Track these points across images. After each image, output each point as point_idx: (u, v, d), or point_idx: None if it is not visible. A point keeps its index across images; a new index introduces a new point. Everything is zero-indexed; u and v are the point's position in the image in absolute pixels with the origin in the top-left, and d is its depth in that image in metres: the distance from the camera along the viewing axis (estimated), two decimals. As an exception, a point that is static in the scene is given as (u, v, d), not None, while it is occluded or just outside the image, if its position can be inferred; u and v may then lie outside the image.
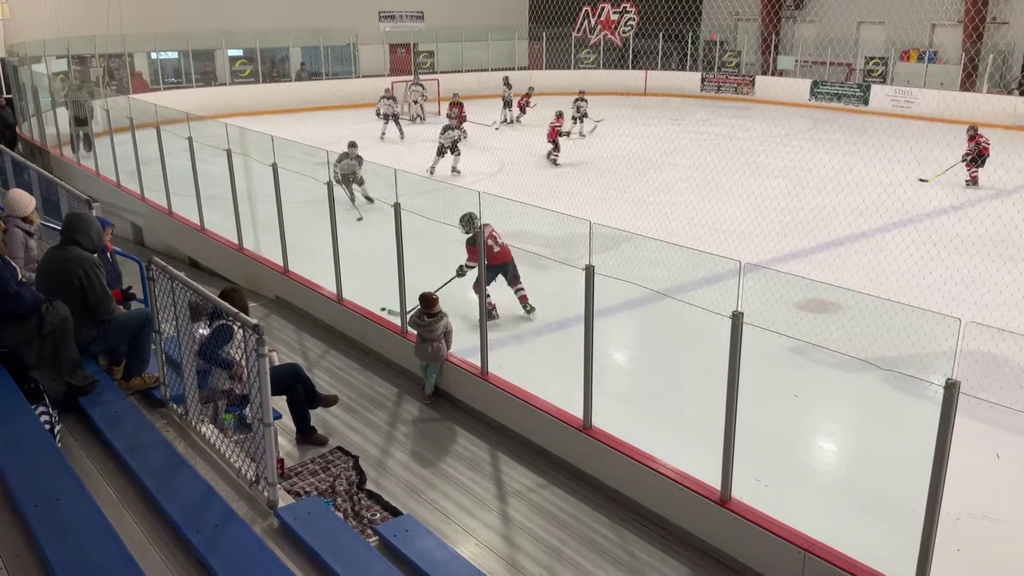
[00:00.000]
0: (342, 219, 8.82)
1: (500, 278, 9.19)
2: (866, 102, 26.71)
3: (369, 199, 13.91)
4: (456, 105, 21.42)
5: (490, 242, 8.73)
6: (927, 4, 26.67)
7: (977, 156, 16.21)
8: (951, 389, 4.28)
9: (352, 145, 14.48)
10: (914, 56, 27.28)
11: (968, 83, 25.45)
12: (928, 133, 19.78)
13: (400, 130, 22.10)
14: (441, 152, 17.05)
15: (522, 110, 23.87)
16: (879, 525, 5.66)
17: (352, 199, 13.95)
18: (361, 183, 14.20)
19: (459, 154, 17.17)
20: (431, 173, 16.45)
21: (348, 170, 14.05)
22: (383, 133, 21.90)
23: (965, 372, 4.42)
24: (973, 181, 16.13)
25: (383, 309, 8.54)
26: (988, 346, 6.78)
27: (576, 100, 22.66)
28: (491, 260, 8.62)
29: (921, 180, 16.23)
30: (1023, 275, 10.47)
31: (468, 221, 8.73)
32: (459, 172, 16.93)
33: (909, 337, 5.17)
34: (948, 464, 4.37)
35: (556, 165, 18.10)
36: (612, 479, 6.10)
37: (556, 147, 18.32)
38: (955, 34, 26.40)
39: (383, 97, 22.20)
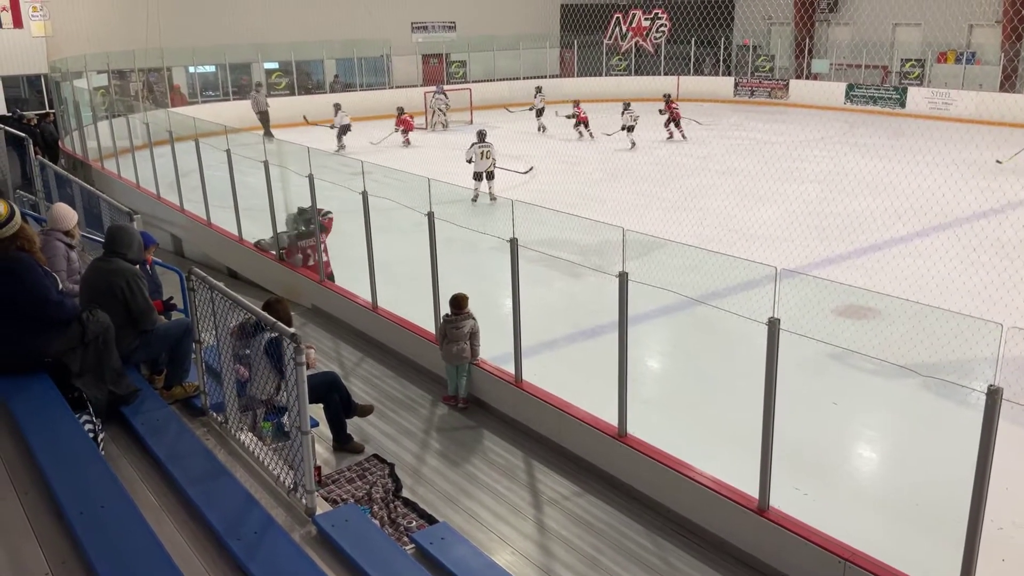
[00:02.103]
0: (376, 228, 8.90)
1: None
2: (903, 104, 26.35)
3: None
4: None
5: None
6: (964, 4, 26.26)
7: None
8: (993, 395, 4.21)
9: (301, 212, 10.26)
10: (952, 57, 26.86)
11: (1008, 84, 24.98)
12: (967, 135, 19.45)
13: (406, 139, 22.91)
14: (479, 177, 15.74)
15: (586, 125, 23.07)
16: (921, 534, 5.57)
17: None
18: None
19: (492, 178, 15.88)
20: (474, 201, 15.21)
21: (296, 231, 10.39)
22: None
23: (1008, 378, 4.34)
24: None
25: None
26: (1031, 352, 6.65)
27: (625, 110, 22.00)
28: None
29: (997, 162, 15.99)
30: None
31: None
32: (495, 199, 15.37)
33: (949, 343, 5.10)
34: (991, 471, 4.30)
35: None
36: (648, 487, 6.07)
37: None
38: (994, 35, 25.95)
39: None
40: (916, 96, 26.17)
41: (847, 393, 7.67)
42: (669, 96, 23.77)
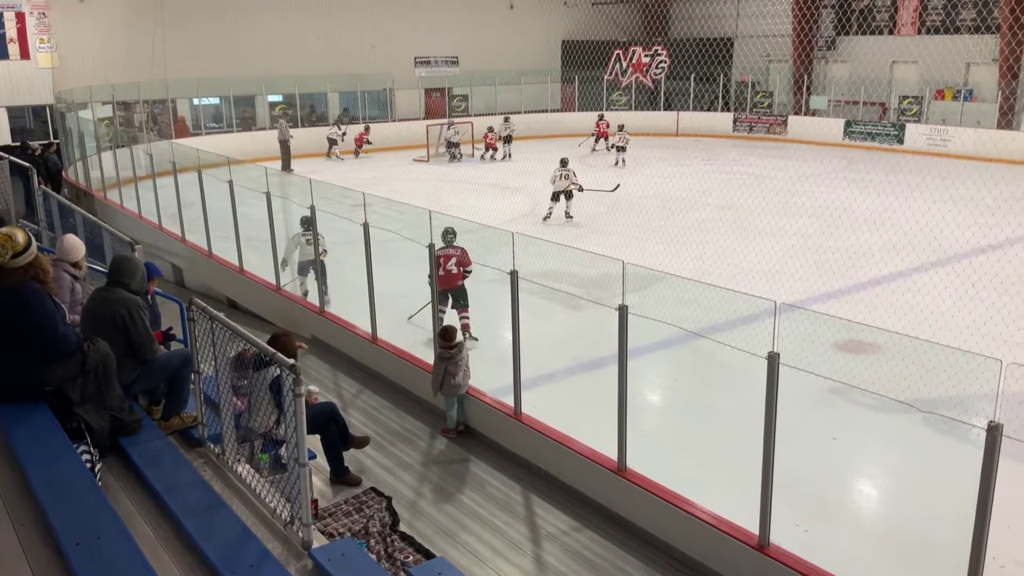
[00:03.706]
0: (377, 259, 8.93)
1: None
2: (901, 141, 26.56)
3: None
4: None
5: (446, 264, 9.39)
6: (961, 43, 26.59)
7: None
8: (993, 432, 4.21)
9: (306, 222, 10.65)
10: (949, 95, 27.13)
11: (1004, 122, 25.21)
12: (965, 172, 19.61)
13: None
14: (556, 197, 16.75)
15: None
16: (922, 572, 5.52)
17: (306, 292, 11.00)
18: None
19: (571, 198, 16.82)
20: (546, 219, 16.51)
21: (307, 257, 10.70)
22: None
23: (1008, 414, 4.34)
24: None
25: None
26: (1030, 388, 6.64)
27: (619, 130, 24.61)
28: (441, 284, 8.98)
29: None
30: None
31: (444, 235, 9.56)
32: (571, 217, 16.75)
33: (949, 378, 5.09)
34: (992, 508, 4.27)
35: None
36: (647, 522, 6.04)
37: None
38: (990, 73, 26.24)
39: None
40: (914, 133, 26.39)
41: (848, 428, 7.64)
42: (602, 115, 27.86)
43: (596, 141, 27.33)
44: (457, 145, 25.81)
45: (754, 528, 5.31)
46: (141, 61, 24.93)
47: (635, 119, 31.26)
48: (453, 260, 9.55)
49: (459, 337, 7.62)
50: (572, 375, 9.09)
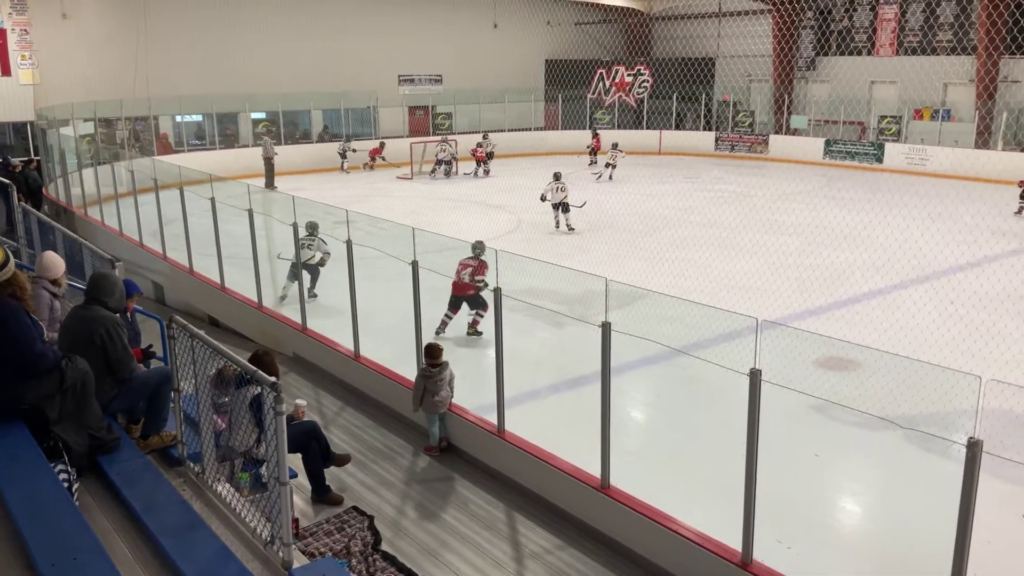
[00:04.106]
0: (360, 276, 8.91)
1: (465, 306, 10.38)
2: (880, 160, 26.86)
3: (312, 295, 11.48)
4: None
5: (460, 272, 10.17)
6: (938, 64, 27.00)
7: None
8: (973, 448, 4.23)
9: (311, 228, 11.54)
10: (927, 114, 27.50)
11: (982, 141, 25.56)
12: (943, 190, 19.85)
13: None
14: (556, 208, 17.66)
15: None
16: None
17: (283, 298, 11.55)
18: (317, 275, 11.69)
19: (568, 211, 17.61)
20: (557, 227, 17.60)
21: (303, 259, 11.16)
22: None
23: (988, 431, 4.37)
24: None
25: None
26: (1010, 404, 6.68)
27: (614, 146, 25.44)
28: (453, 290, 10.16)
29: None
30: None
31: (474, 248, 10.28)
32: (573, 229, 17.46)
33: (929, 395, 5.13)
34: (973, 524, 4.29)
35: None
36: (631, 540, 6.02)
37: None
38: (968, 93, 26.64)
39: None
40: (893, 152, 26.71)
41: (830, 444, 7.66)
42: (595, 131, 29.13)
43: (593, 155, 28.07)
44: (451, 162, 26.07)
45: (737, 545, 5.30)
46: (123, 78, 24.84)
47: (618, 138, 31.41)
48: (468, 270, 10.14)
49: (444, 357, 7.60)
50: (556, 392, 9.08)
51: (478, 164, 26.19)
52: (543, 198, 17.72)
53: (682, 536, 5.63)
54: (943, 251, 13.98)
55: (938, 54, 27.50)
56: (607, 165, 25.03)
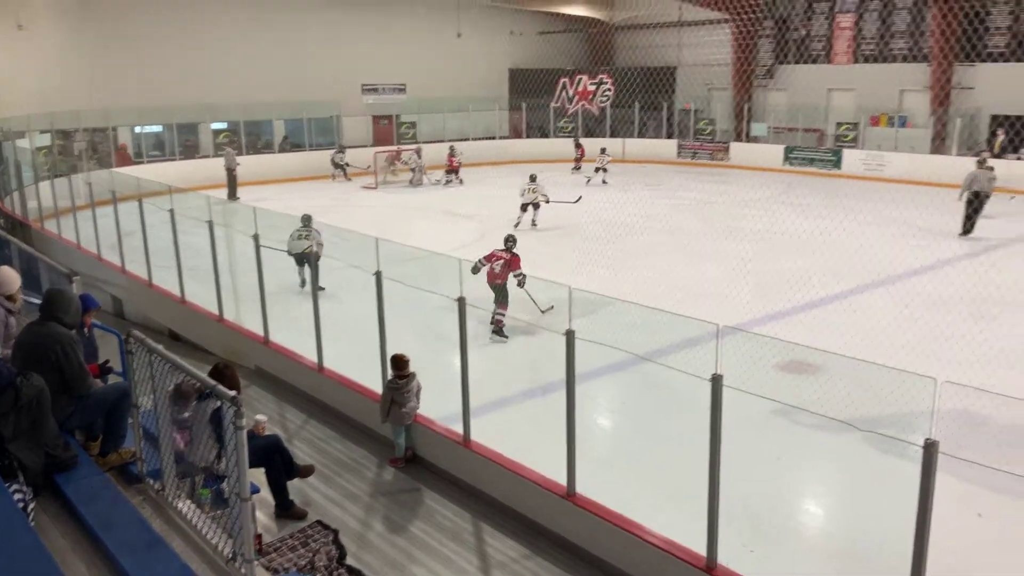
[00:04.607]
0: (327, 286, 8.85)
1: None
2: (839, 166, 27.32)
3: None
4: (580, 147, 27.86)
5: (493, 263, 11.02)
6: (894, 71, 27.56)
7: None
8: (930, 449, 4.31)
9: (306, 220, 12.87)
10: (884, 121, 28.03)
11: (937, 146, 26.12)
12: (900, 195, 20.24)
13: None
14: (524, 208, 18.63)
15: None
16: (866, 589, 5.61)
17: (303, 283, 12.61)
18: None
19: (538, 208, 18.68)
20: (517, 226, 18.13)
21: (298, 249, 12.39)
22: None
23: (945, 431, 4.45)
24: None
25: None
26: (965, 404, 6.82)
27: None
28: (488, 278, 10.96)
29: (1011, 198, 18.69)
30: (997, 333, 10.60)
31: (506, 241, 11.38)
32: (536, 225, 18.52)
33: (887, 397, 5.22)
34: (931, 525, 4.37)
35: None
36: (597, 547, 6.03)
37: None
38: (923, 100, 27.20)
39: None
40: (851, 158, 27.17)
41: (792, 448, 7.75)
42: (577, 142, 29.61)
43: (578, 162, 28.60)
44: (422, 170, 26.14)
45: (703, 550, 5.34)
46: (81, 89, 24.48)
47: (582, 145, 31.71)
48: (501, 262, 10.96)
49: (411, 368, 7.56)
50: (522, 401, 9.08)
51: (450, 173, 26.04)
52: (522, 195, 18.68)
53: (648, 542, 5.65)
54: (900, 255, 14.26)
55: (894, 61, 28.08)
56: (597, 170, 25.76)
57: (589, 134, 32.86)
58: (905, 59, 27.77)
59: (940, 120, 26.22)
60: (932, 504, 4.35)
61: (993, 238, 16.85)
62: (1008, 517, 6.50)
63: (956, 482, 6.21)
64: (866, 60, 28.84)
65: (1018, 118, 24.36)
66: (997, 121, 25.51)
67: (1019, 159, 23.69)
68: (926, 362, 9.41)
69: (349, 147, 28.04)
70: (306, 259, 12.17)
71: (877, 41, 28.61)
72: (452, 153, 26.38)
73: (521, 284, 10.96)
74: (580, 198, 19.49)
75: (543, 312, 10.78)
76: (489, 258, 11.06)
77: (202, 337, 11.12)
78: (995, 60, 25.65)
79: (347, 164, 26.91)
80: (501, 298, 10.90)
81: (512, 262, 11.00)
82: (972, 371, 9.19)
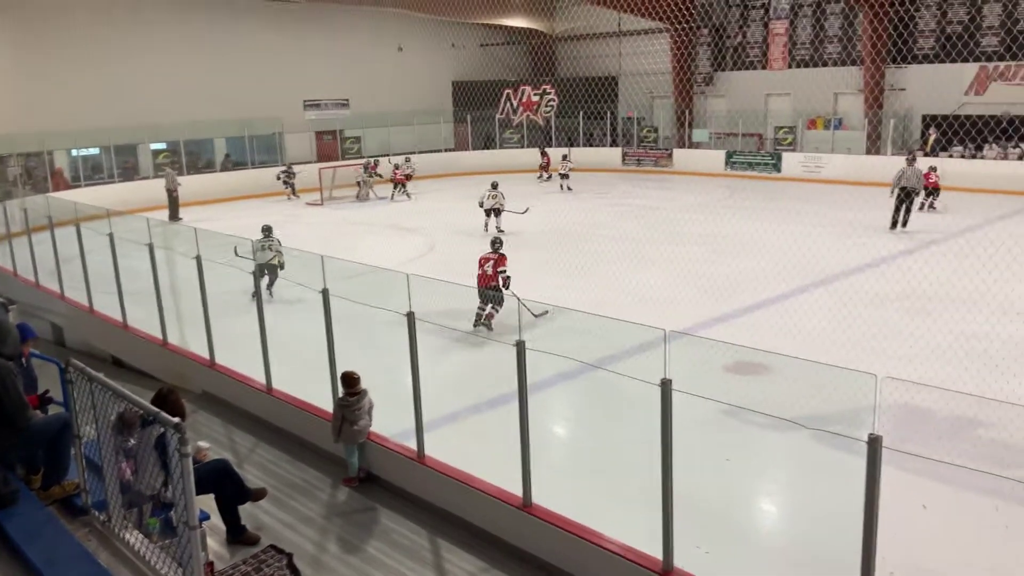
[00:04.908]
0: (271, 307, 8.73)
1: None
2: (779, 169, 27.92)
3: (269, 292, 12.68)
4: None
5: (483, 265, 11.62)
6: (828, 75, 28.30)
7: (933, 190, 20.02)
8: (874, 444, 4.40)
9: (267, 230, 13.93)
10: (820, 124, 28.75)
11: (872, 148, 26.87)
12: (838, 196, 20.76)
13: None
14: (488, 214, 19.46)
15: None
16: (819, 584, 5.71)
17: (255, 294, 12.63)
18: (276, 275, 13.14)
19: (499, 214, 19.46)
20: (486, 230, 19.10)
21: (263, 260, 12.80)
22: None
23: (890, 425, 4.56)
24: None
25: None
26: (907, 398, 7.01)
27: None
28: (478, 282, 11.55)
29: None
30: (933, 328, 10.90)
31: (492, 243, 12.09)
32: (502, 231, 18.88)
33: (831, 394, 5.33)
34: (879, 517, 4.46)
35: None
36: (554, 557, 6.03)
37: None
38: (857, 102, 27.97)
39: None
40: (790, 161, 27.80)
41: (743, 448, 7.86)
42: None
43: (544, 170, 29.24)
44: (369, 185, 26.10)
45: (659, 554, 5.38)
46: (13, 112, 23.84)
47: (528, 156, 31.86)
48: (490, 263, 11.56)
49: (362, 385, 7.49)
50: (475, 413, 9.05)
51: (396, 187, 25.97)
52: (480, 204, 19.32)
53: (604, 549, 5.67)
54: (840, 254, 14.61)
55: (827, 66, 28.83)
56: (561, 176, 26.59)
57: (536, 144, 33.08)
58: (838, 63, 28.56)
59: (874, 121, 27.00)
60: (878, 497, 4.44)
61: (929, 234, 17.38)
62: (951, 507, 6.67)
63: (904, 474, 6.36)
64: (801, 65, 29.58)
65: (947, 117, 25.24)
66: (926, 121, 26.37)
67: (951, 157, 24.49)
68: (868, 358, 9.66)
69: (296, 163, 27.76)
70: (267, 270, 12.79)
71: (811, 46, 29.36)
72: (397, 166, 26.30)
73: (506, 284, 11.34)
74: (527, 209, 19.85)
75: (536, 316, 10.68)
76: (480, 264, 11.67)
77: (146, 363, 10.87)
78: (924, 61, 26.52)
79: (289, 181, 26.52)
80: (495, 300, 11.27)
81: (499, 261, 11.60)
82: (912, 366, 9.46)
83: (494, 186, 19.71)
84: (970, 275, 11.85)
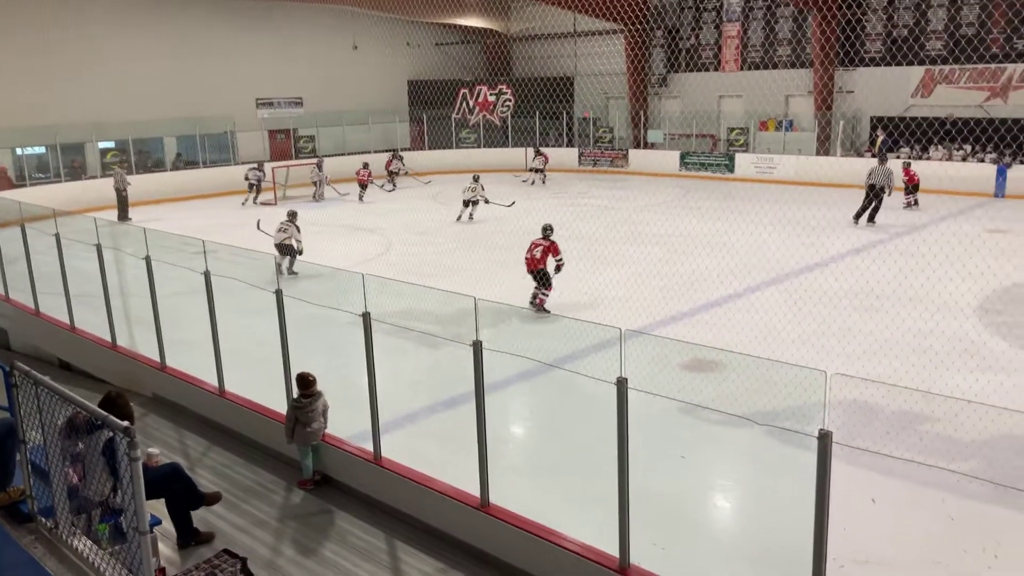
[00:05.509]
0: (226, 308, 8.58)
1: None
2: (732, 170, 28.31)
3: (292, 272, 14.61)
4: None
5: (533, 249, 12.44)
6: (779, 77, 28.76)
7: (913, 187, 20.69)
8: (824, 439, 4.48)
9: (291, 215, 15.62)
10: (772, 125, 29.21)
11: (822, 149, 27.39)
12: (790, 196, 21.10)
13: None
14: (465, 204, 20.75)
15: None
16: (772, 577, 5.79)
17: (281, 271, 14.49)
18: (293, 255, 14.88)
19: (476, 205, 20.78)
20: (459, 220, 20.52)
21: (278, 240, 14.98)
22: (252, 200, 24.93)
23: (840, 420, 4.65)
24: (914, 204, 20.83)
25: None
26: (856, 394, 7.15)
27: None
28: (528, 266, 12.42)
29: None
30: (880, 325, 11.16)
31: (544, 229, 12.73)
32: (473, 219, 20.62)
33: (782, 391, 5.41)
34: (830, 511, 4.54)
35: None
36: (512, 557, 6.03)
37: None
38: (807, 104, 28.48)
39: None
40: (743, 162, 28.21)
41: (698, 444, 7.95)
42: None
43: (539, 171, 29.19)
44: (324, 184, 25.67)
45: (616, 551, 5.41)
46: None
47: (485, 156, 31.88)
48: (539, 248, 12.33)
49: (317, 387, 7.41)
50: (433, 414, 9.03)
51: (361, 188, 25.41)
52: (464, 192, 20.83)
53: (562, 547, 5.69)
54: (792, 253, 14.85)
55: (779, 68, 29.30)
56: (535, 171, 27.52)
57: (491, 144, 33.10)
58: (789, 65, 29.04)
59: (823, 123, 27.51)
60: (829, 491, 4.52)
61: (877, 234, 17.77)
62: (900, 500, 6.83)
63: (855, 468, 6.50)
64: (753, 67, 30.02)
65: (894, 119, 25.86)
66: (875, 123, 26.96)
67: (898, 158, 25.06)
68: (821, 354, 9.84)
69: (246, 163, 27.32)
70: (285, 250, 14.70)
71: (762, 49, 29.82)
72: (364, 166, 25.86)
73: (559, 269, 12.24)
74: (513, 203, 21.05)
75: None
76: (530, 248, 12.42)
77: (95, 366, 10.63)
78: (872, 65, 27.11)
79: (259, 182, 25.40)
80: (543, 282, 12.16)
81: (551, 248, 12.32)
82: (861, 362, 9.67)
83: (476, 179, 20.96)
84: (916, 273, 12.14)
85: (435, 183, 28.80)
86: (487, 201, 20.83)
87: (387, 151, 30.35)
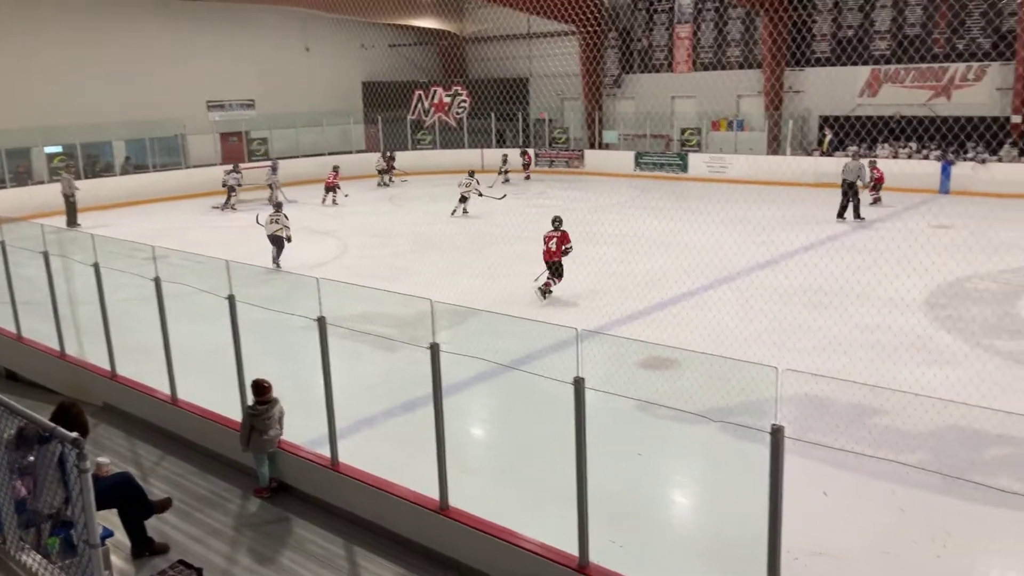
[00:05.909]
0: (178, 314, 8.44)
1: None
2: (685, 169, 28.64)
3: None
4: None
5: (548, 242, 13.28)
6: (730, 78, 29.16)
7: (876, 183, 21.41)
8: (776, 434, 4.56)
9: (278, 207, 16.44)
10: (724, 125, 29.60)
11: (772, 148, 27.84)
12: (742, 195, 21.42)
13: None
14: (461, 199, 21.67)
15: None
16: (728, 572, 5.87)
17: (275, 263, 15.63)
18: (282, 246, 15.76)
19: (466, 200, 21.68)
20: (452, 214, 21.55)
21: (268, 231, 15.89)
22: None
23: (794, 415, 4.74)
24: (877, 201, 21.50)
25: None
26: (807, 389, 7.28)
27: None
28: (544, 257, 13.30)
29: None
30: (829, 321, 11.37)
31: (553, 221, 13.50)
32: (467, 213, 21.70)
33: (735, 387, 5.50)
34: (783, 505, 4.62)
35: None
36: (473, 559, 6.03)
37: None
38: (758, 104, 28.91)
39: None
40: (696, 161, 28.54)
41: (655, 442, 8.03)
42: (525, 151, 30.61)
43: (525, 169, 29.89)
44: (278, 186, 24.76)
45: (575, 550, 5.44)
46: None
47: (441, 157, 31.81)
48: (554, 240, 13.14)
49: (273, 393, 7.32)
50: (391, 418, 8.99)
51: (328, 191, 24.83)
52: (459, 186, 21.76)
53: (522, 548, 5.70)
54: (745, 252, 15.08)
55: (730, 69, 29.71)
56: (502, 172, 27.85)
57: (447, 145, 33.04)
58: (740, 66, 29.46)
59: (774, 122, 27.97)
60: (782, 485, 4.60)
61: (823, 230, 18.12)
62: (851, 492, 6.97)
63: (808, 462, 6.62)
64: (705, 68, 30.38)
65: (840, 118, 26.39)
66: (823, 122, 27.48)
67: (846, 156, 25.58)
68: (773, 350, 10.01)
69: (197, 166, 26.93)
70: (276, 242, 15.69)
71: (714, 50, 30.21)
72: (335, 169, 25.40)
73: (566, 253, 13.10)
74: (504, 196, 22.42)
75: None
76: (545, 241, 13.20)
77: (43, 375, 10.38)
78: (820, 65, 27.62)
79: (235, 186, 24.82)
80: (556, 272, 13.07)
81: (563, 238, 13.14)
82: (811, 357, 9.86)
83: (471, 174, 22.08)
84: (864, 270, 12.41)
85: (393, 186, 28.73)
86: (480, 194, 21.74)
87: (341, 152, 30.16)
